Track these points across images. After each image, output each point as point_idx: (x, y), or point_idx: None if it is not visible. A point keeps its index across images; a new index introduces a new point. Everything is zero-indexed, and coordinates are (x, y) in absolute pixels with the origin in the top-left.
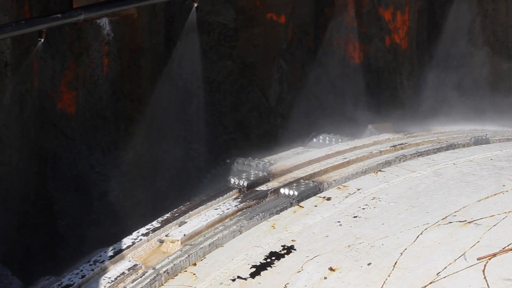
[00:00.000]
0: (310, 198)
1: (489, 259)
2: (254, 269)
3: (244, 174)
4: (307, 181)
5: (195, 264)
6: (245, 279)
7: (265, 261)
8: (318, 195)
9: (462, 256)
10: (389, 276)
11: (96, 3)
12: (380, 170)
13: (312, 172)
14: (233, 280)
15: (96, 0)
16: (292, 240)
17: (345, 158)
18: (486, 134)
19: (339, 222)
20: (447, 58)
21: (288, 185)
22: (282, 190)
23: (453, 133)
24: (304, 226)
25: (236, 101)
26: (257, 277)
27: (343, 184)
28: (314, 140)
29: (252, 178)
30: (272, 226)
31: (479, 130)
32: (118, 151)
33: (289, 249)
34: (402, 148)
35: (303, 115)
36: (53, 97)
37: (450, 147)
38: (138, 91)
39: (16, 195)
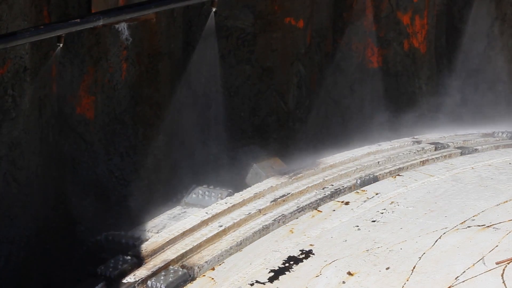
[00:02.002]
0: (328, 203)
1: (508, 263)
2: (272, 274)
3: (112, 262)
4: (176, 268)
5: (213, 269)
6: (263, 283)
7: (283, 266)
8: (336, 199)
9: (481, 260)
10: (407, 280)
11: (114, 8)
12: (398, 175)
13: (183, 251)
14: (252, 284)
15: (115, 5)
16: (311, 245)
17: (221, 226)
18: (374, 173)
19: (358, 226)
20: (466, 62)
21: (156, 274)
22: (149, 283)
23: (342, 169)
24: (322, 231)
25: (254, 105)
26: (275, 281)
27: (361, 189)
28: (193, 195)
29: (119, 267)
30: (291, 231)
31: (489, 134)
32: (136, 156)
33: (307, 254)
34: (283, 201)
35: (322, 119)
36: (72, 102)
37: (335, 194)
38: (156, 95)
39: (35, 200)
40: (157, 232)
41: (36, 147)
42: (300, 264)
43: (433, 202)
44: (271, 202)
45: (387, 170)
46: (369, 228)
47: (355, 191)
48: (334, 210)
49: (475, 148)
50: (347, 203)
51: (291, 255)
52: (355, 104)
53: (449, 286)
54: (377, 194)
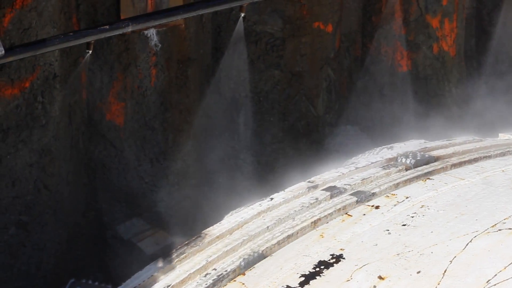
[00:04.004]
0: (358, 207)
1: None
2: (303, 278)
3: None
4: None
5: (244, 274)
6: None
7: (314, 270)
8: (366, 203)
9: None
10: (438, 284)
11: (143, 14)
12: (428, 178)
13: None
14: None
15: (144, 11)
16: (341, 249)
17: None
18: (260, 248)
19: (388, 230)
20: (496, 65)
21: None
22: None
23: (227, 243)
24: (352, 235)
25: (284, 110)
26: (306, 286)
27: (391, 193)
28: None
29: None
30: (321, 235)
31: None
32: (166, 162)
33: (337, 258)
34: None
35: (351, 123)
36: (102, 108)
37: (217, 282)
38: (186, 101)
39: (66, 207)
40: None
41: (66, 154)
42: (330, 268)
43: (464, 205)
44: None
45: (274, 241)
46: (399, 232)
47: (385, 195)
48: (364, 214)
49: (372, 192)
50: (377, 207)
51: (322, 260)
52: (384, 108)
53: None
54: (407, 197)
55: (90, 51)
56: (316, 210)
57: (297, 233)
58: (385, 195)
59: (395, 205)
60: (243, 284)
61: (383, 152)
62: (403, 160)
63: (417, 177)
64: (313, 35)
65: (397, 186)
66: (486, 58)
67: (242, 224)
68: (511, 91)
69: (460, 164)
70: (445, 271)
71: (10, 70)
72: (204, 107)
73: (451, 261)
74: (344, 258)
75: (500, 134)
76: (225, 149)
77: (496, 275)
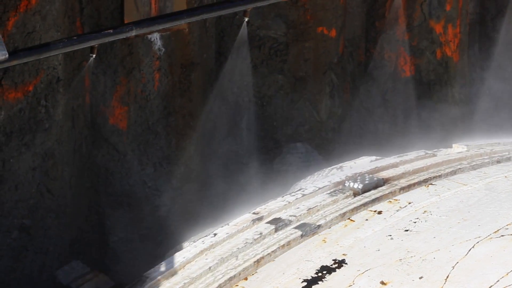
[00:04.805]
0: (361, 212)
1: None
2: (305, 284)
3: None
4: None
5: (246, 279)
6: None
7: (316, 275)
8: (369, 208)
9: None
10: None
11: (147, 19)
12: (431, 184)
13: None
14: None
15: (148, 15)
16: (343, 254)
17: None
18: None
19: (390, 235)
20: (499, 71)
21: None
22: None
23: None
24: (355, 240)
25: (287, 115)
26: None
27: (394, 198)
28: None
29: None
30: (323, 240)
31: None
32: (169, 166)
33: (340, 263)
34: None
35: (354, 128)
36: (105, 112)
37: None
38: (189, 105)
39: (69, 211)
40: None
41: (69, 158)
42: (333, 273)
43: (466, 211)
44: None
45: (215, 285)
46: (402, 238)
47: (388, 200)
48: (367, 220)
49: (317, 224)
50: (379, 212)
51: (324, 265)
52: (387, 113)
53: None
54: (409, 203)
55: (94, 55)
56: (260, 247)
57: (240, 274)
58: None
59: (397, 211)
60: None
61: (332, 174)
62: (351, 184)
63: (364, 205)
64: (317, 40)
65: (343, 216)
66: (489, 64)
67: (184, 265)
68: None
69: (409, 187)
70: (447, 277)
71: (14, 73)
72: (207, 112)
73: (453, 266)
74: (346, 263)
75: (453, 145)
76: (228, 154)
77: (498, 281)
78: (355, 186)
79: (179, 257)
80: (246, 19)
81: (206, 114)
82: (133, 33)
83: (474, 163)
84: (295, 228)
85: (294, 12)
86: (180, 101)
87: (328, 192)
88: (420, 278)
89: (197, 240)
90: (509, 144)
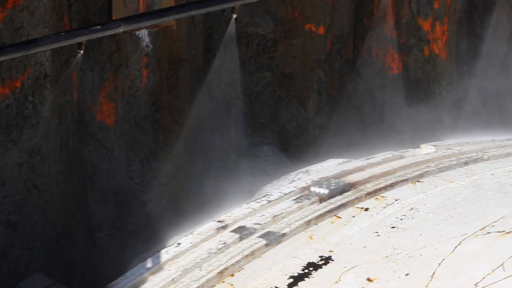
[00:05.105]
0: (348, 209)
1: None
2: (291, 280)
3: None
4: None
5: (232, 275)
6: None
7: (302, 272)
8: (356, 205)
9: (501, 266)
10: (427, 286)
11: (135, 15)
12: (418, 181)
13: None
14: None
15: (136, 12)
16: (330, 251)
17: None
18: None
19: (377, 232)
20: (487, 69)
21: None
22: None
23: None
24: (341, 237)
25: (274, 112)
26: (294, 287)
27: (381, 195)
28: None
29: None
30: (310, 237)
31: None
32: (157, 162)
33: (326, 260)
34: None
35: (342, 126)
36: (92, 108)
37: None
38: (177, 102)
39: (55, 207)
40: None
41: (56, 154)
42: (319, 270)
43: (453, 208)
44: None
45: None
46: (388, 234)
47: (375, 197)
48: (353, 216)
49: (282, 233)
50: (366, 209)
51: (311, 261)
52: (375, 111)
53: None
54: (396, 200)
55: (82, 51)
56: (224, 257)
57: (203, 286)
58: (375, 197)
59: (384, 207)
60: (232, 285)
61: (299, 178)
62: (317, 190)
63: (330, 211)
64: (305, 37)
65: (308, 223)
66: (477, 62)
67: (147, 276)
68: (501, 94)
69: (375, 192)
70: (433, 274)
71: (1, 69)
72: (195, 108)
73: (439, 263)
74: (333, 260)
75: (422, 146)
76: (215, 151)
77: (484, 278)
78: (321, 191)
79: (141, 269)
80: (234, 16)
81: (193, 111)
82: (121, 29)
83: (442, 165)
84: (260, 237)
85: (282, 9)
86: (168, 97)
87: (294, 198)
88: (407, 274)
89: (161, 250)
90: (478, 143)
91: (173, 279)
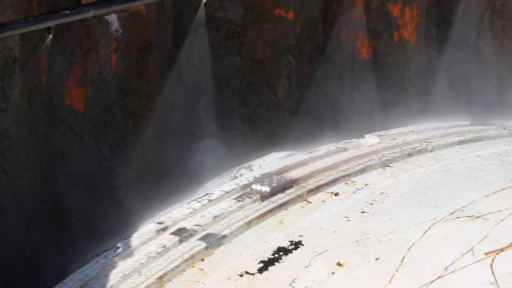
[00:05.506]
0: (318, 194)
1: (497, 254)
2: (262, 265)
3: None
4: None
5: (202, 260)
6: (253, 274)
7: (273, 257)
8: (326, 190)
9: (470, 251)
10: (397, 271)
11: (104, 0)
12: (387, 166)
13: None
14: (241, 275)
15: None
16: (300, 236)
17: None
18: None
19: (347, 217)
20: (456, 54)
21: None
22: None
23: None
24: (312, 222)
25: (244, 97)
26: (265, 272)
27: (350, 180)
28: None
29: None
30: (280, 222)
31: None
32: (126, 147)
33: (297, 245)
34: None
35: (312, 110)
36: (62, 93)
37: None
38: (146, 87)
39: (25, 191)
40: None
41: (25, 139)
42: (289, 255)
43: (423, 193)
44: None
45: None
46: (358, 219)
47: (345, 182)
48: (323, 201)
49: (222, 235)
50: (336, 194)
51: (281, 246)
52: (345, 95)
53: (438, 276)
54: (366, 185)
55: (51, 36)
56: (163, 261)
57: None
58: (345, 182)
59: (354, 192)
60: (202, 270)
61: (241, 174)
62: (258, 187)
63: (271, 211)
64: (274, 22)
65: (249, 224)
66: (446, 47)
67: (86, 282)
68: (470, 79)
69: (317, 188)
70: (403, 258)
71: None
72: (164, 93)
73: (409, 248)
74: (303, 245)
75: (366, 136)
76: (185, 135)
77: (454, 262)
78: (263, 189)
79: (80, 275)
80: (204, 1)
81: (163, 96)
82: (90, 14)
83: (385, 158)
84: (200, 239)
85: None
86: (138, 82)
87: (235, 197)
88: (376, 259)
89: (100, 254)
90: (422, 132)
91: (111, 285)
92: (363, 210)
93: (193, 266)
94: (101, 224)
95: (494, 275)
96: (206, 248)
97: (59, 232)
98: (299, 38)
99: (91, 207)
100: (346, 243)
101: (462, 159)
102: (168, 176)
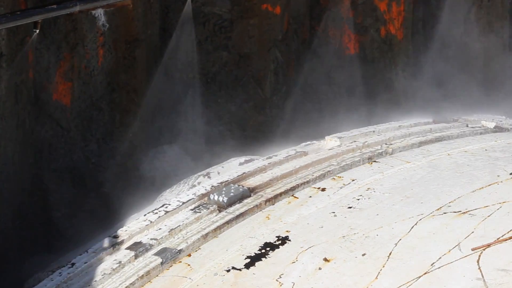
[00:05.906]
0: (305, 189)
1: (484, 249)
2: (248, 260)
3: None
4: None
5: (189, 255)
6: (239, 269)
7: (259, 252)
8: (312, 185)
9: (457, 246)
10: (383, 266)
11: None
12: (374, 161)
13: None
14: (228, 270)
15: None
16: (287, 231)
17: None
18: None
19: (334, 213)
20: (443, 49)
21: None
22: None
23: None
24: (298, 217)
25: (231, 92)
26: (251, 267)
27: (337, 175)
28: None
29: None
30: (267, 217)
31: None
32: (113, 142)
33: (283, 240)
34: None
35: (299, 105)
36: (48, 88)
37: None
38: (133, 82)
39: (11, 186)
40: None
41: (12, 134)
42: (276, 250)
43: (409, 188)
44: None
45: None
46: (345, 215)
47: (331, 177)
48: (310, 197)
49: (178, 249)
50: (323, 190)
51: (268, 242)
52: (332, 91)
53: (424, 272)
54: (353, 180)
55: (37, 30)
56: (118, 278)
57: None
58: (331, 177)
59: (341, 188)
60: (189, 265)
61: (199, 182)
62: (216, 197)
63: (228, 222)
64: (261, 17)
65: (206, 237)
66: (433, 42)
67: None
68: (457, 75)
69: (275, 197)
70: (390, 254)
71: None
72: (151, 88)
73: (396, 243)
74: (290, 240)
75: (326, 138)
76: (172, 130)
77: (440, 258)
78: (220, 199)
79: None
80: None
81: (150, 91)
82: (77, 8)
83: (344, 163)
84: (156, 254)
85: None
86: (124, 77)
87: (192, 207)
88: (363, 255)
89: (55, 271)
90: (383, 132)
91: None
92: (350, 206)
93: (180, 262)
94: (88, 219)
95: (480, 271)
96: (162, 263)
97: (46, 227)
98: (286, 33)
99: (78, 202)
100: (333, 238)
101: (448, 154)
102: (155, 171)
